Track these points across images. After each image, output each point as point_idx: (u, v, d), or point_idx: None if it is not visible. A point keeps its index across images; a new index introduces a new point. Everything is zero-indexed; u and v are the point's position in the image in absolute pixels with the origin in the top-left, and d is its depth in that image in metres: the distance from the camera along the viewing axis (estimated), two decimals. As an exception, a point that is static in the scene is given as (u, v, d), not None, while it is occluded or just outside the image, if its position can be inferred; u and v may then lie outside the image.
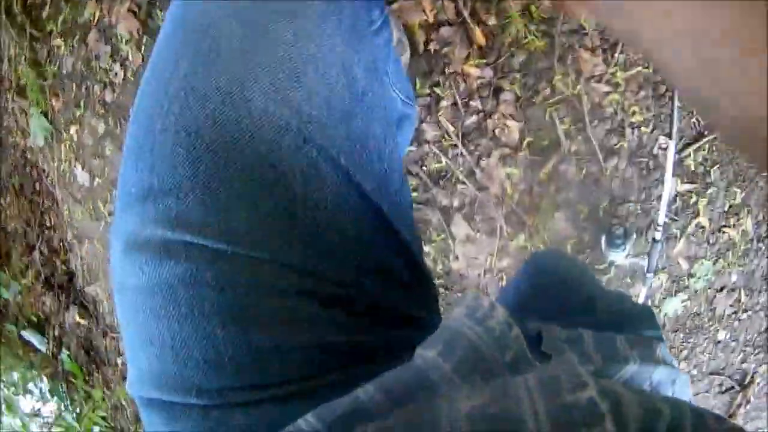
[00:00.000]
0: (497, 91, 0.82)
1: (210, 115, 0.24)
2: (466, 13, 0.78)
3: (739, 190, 0.99)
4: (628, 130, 0.95)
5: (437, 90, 0.80)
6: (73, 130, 1.32)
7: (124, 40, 1.09)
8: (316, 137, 0.25)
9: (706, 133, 0.97)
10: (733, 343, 1.08)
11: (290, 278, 0.24)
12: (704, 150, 0.96)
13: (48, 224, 1.80)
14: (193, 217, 0.23)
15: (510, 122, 0.83)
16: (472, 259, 1.00)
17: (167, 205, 0.24)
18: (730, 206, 1.00)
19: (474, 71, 0.79)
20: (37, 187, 1.78)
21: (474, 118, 0.81)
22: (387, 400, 0.20)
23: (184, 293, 0.23)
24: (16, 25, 1.45)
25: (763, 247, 1.02)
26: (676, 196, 1.03)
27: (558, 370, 0.19)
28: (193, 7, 0.26)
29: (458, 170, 0.83)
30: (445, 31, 0.77)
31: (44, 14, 1.37)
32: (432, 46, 0.77)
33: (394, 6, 0.77)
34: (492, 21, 0.80)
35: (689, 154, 0.97)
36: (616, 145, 0.94)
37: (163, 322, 0.23)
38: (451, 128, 0.81)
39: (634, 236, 0.98)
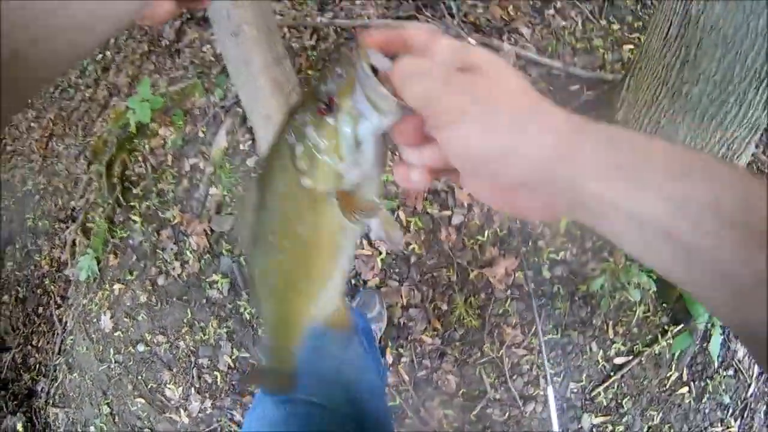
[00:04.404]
0: (442, 354, 1.18)
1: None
2: (427, 301, 1.18)
3: (656, 413, 1.22)
4: (542, 382, 1.28)
5: (401, 350, 1.16)
6: (116, 287, 1.57)
7: (191, 249, 1.43)
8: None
9: (612, 374, 1.29)
10: None
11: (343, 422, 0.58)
12: (613, 387, 1.23)
13: (33, 343, 1.87)
14: (316, 393, 0.58)
15: (449, 376, 1.18)
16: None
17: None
18: (649, 427, 1.22)
19: (428, 340, 1.17)
20: (40, 310, 1.89)
21: (424, 372, 1.16)
22: None
23: (302, 418, 0.55)
24: (110, 183, 1.68)
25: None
26: (592, 428, 1.31)
27: None
28: None
29: (408, 409, 1.14)
30: (412, 311, 1.17)
31: (135, 191, 1.64)
32: (402, 320, 1.16)
33: (383, 289, 1.18)
34: (444, 306, 1.21)
35: (599, 393, 1.24)
36: (533, 393, 1.25)
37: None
38: (407, 378, 1.15)
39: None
